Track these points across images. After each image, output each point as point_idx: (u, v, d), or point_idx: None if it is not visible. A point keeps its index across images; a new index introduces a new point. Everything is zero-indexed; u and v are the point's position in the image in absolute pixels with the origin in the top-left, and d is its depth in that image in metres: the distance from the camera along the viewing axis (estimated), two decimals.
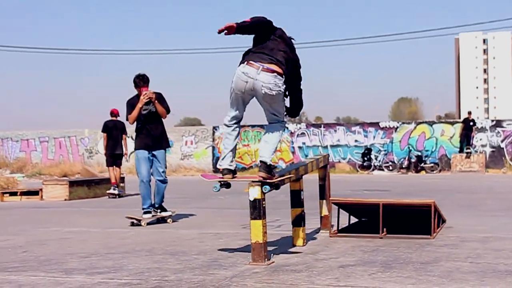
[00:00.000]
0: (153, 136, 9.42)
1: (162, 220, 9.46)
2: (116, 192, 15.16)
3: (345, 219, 8.05)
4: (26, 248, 7.06)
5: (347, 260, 5.82)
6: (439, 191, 15.12)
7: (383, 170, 28.48)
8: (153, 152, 9.41)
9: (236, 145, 6.15)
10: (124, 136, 15.68)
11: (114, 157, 15.58)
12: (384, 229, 7.31)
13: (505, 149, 27.69)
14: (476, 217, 9.45)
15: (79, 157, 31.92)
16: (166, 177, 9.52)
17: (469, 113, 28.61)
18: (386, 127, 29.39)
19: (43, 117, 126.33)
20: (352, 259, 5.91)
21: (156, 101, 9.34)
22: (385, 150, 29.12)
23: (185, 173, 29.80)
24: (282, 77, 5.83)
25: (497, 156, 27.71)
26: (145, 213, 9.28)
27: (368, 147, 29.17)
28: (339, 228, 7.76)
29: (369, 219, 8.30)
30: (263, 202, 5.71)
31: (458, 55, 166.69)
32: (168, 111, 9.55)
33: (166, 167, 9.55)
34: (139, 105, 9.26)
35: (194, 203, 12.92)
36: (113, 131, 15.50)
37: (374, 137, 29.37)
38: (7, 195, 14.93)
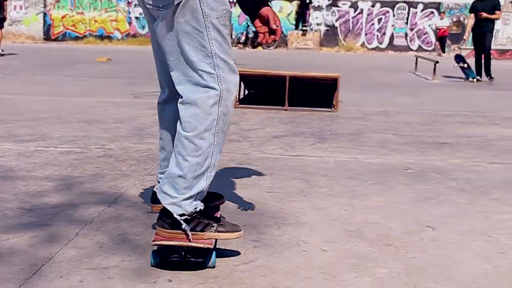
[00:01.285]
0: None
1: None
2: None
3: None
4: None
5: (276, 131, 5.89)
6: (298, 66, 15.38)
7: None
8: None
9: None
10: (5, 2, 17.00)
11: None
12: (286, 102, 7.43)
13: (338, 28, 28.63)
14: (355, 92, 9.62)
15: None
16: None
17: None
18: None
19: None
20: (279, 129, 5.99)
21: None
22: None
23: (13, 40, 28.03)
24: None
25: (331, 35, 28.63)
26: None
27: None
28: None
29: (264, 91, 8.40)
30: None
31: None
32: None
33: None
34: None
35: (57, 71, 12.29)
36: None
37: None
38: None
